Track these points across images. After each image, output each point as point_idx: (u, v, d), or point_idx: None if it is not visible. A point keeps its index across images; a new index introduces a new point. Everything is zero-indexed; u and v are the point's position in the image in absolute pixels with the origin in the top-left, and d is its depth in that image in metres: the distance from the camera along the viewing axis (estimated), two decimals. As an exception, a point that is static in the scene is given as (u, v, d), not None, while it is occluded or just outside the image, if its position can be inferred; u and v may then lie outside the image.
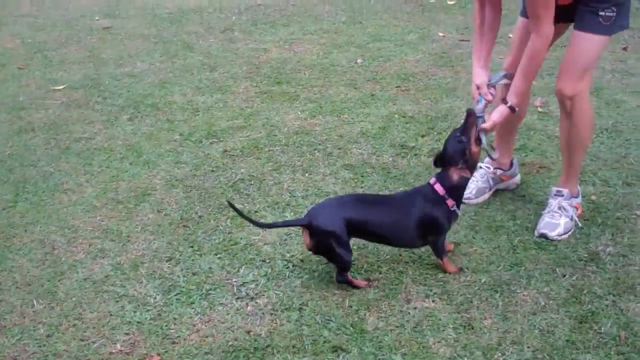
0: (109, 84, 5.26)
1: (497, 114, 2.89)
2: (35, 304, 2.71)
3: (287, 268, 2.86)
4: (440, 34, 6.31)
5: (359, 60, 5.69)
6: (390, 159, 3.83)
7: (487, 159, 3.41)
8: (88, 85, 5.26)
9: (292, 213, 3.28)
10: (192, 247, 3.06)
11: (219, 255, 2.98)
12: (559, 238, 3.03)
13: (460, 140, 2.74)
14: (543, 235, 3.05)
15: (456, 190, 2.75)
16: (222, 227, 3.20)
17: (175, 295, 2.73)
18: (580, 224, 3.11)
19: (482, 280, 2.73)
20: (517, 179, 3.49)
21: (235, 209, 2.77)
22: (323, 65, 5.56)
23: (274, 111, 4.60)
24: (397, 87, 5.02)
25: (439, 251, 2.79)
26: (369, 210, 2.74)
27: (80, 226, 3.27)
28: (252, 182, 3.62)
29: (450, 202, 2.73)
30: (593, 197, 3.31)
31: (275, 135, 4.21)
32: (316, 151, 3.97)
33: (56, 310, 2.68)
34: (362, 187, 3.51)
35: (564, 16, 2.87)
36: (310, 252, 2.77)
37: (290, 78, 5.29)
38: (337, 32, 6.66)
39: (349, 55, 5.87)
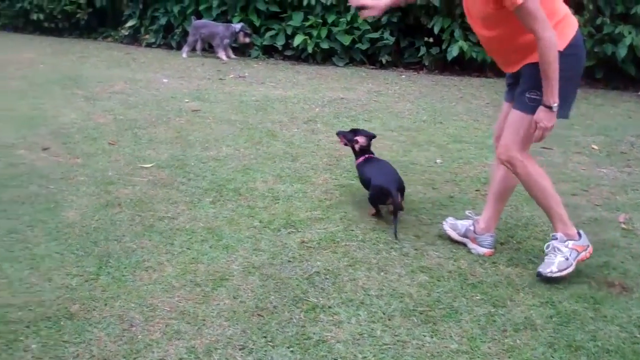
0: (194, 166, 5.44)
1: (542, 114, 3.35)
2: (110, 380, 2.77)
3: (359, 369, 2.85)
4: (521, 140, 6.31)
5: (438, 161, 5.75)
6: (467, 265, 3.80)
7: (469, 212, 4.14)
8: (174, 165, 5.46)
9: (365, 312, 3.27)
10: (265, 337, 3.08)
11: (291, 349, 2.99)
12: (552, 275, 3.49)
13: None
14: (538, 274, 3.54)
15: None
16: (295, 320, 3.22)
17: (246, 385, 2.75)
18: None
19: (559, 402, 2.65)
20: (481, 250, 3.90)
21: None
22: (402, 162, 5.63)
23: (352, 205, 4.66)
24: (476, 190, 5.03)
25: None
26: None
27: (159, 305, 3.34)
28: (328, 277, 3.64)
29: None
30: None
31: (352, 230, 4.25)
32: (392, 250, 3.98)
33: (130, 389, 2.72)
34: (437, 292, 3.49)
35: (511, 97, 3.67)
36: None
37: (369, 173, 5.35)
38: (417, 131, 6.76)
39: (428, 154, 5.93)
